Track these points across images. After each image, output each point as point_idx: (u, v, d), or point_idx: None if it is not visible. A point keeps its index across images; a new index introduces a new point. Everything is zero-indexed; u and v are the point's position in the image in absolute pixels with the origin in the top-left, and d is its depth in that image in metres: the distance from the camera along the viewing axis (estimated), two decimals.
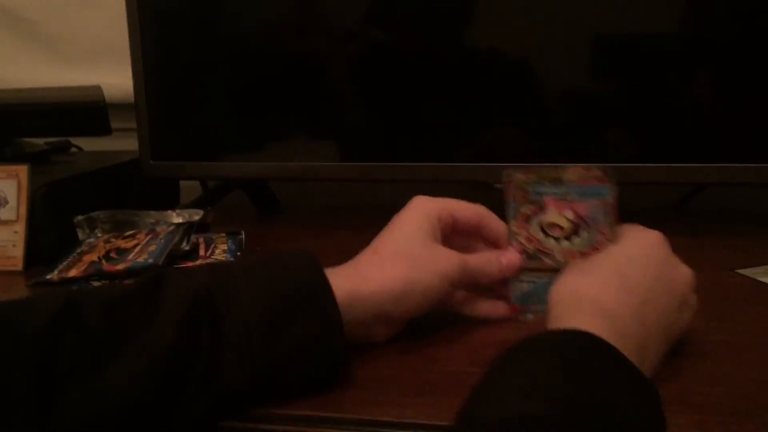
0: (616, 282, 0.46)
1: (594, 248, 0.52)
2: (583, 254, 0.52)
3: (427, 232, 0.52)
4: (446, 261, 0.51)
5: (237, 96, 0.88)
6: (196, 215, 0.81)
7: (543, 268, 0.54)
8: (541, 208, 0.53)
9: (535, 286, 0.55)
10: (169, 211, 0.82)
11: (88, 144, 1.06)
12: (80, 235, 0.79)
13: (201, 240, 0.76)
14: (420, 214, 0.53)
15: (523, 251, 0.55)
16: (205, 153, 0.90)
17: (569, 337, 0.41)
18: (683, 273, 0.49)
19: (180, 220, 0.80)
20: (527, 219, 0.54)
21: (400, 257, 0.50)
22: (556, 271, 0.52)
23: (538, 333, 0.41)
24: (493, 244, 0.56)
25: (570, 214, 0.53)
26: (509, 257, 0.55)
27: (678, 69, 0.76)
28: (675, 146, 0.77)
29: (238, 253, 0.73)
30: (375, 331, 0.51)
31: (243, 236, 0.77)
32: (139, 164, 0.91)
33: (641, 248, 0.49)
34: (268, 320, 0.45)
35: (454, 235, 0.55)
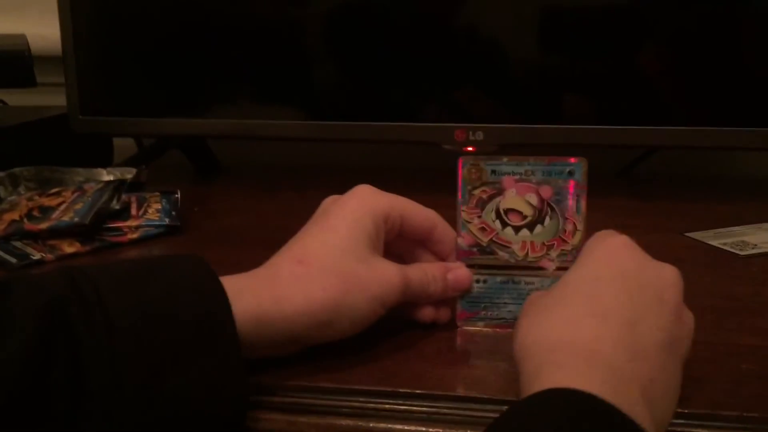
0: (589, 311, 0.36)
1: (559, 239, 0.45)
2: (546, 246, 0.46)
3: (367, 239, 0.43)
4: (385, 282, 0.43)
5: (175, 47, 0.83)
6: (129, 174, 0.76)
7: (497, 264, 0.46)
8: (498, 190, 0.46)
9: (488, 287, 0.47)
10: (100, 169, 0.77)
11: (13, 100, 1.00)
12: (1, 192, 0.74)
13: (133, 199, 0.71)
14: (363, 213, 0.44)
15: (475, 243, 0.46)
16: (140, 109, 0.85)
17: (549, 406, 0.31)
18: (669, 274, 0.39)
19: (111, 178, 0.76)
20: (481, 204, 0.46)
21: (330, 274, 0.41)
22: (512, 268, 0.46)
23: (513, 405, 0.33)
24: (440, 257, 0.48)
25: (533, 198, 0.46)
26: (457, 274, 0.46)
27: (630, 31, 0.75)
28: (626, 109, 0.75)
29: (173, 213, 0.69)
30: (284, 350, 0.42)
31: (178, 195, 0.72)
32: (68, 119, 0.85)
33: (607, 261, 0.40)
34: (148, 365, 0.35)
35: (395, 239, 0.47)
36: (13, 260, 0.60)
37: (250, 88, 0.83)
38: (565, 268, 0.44)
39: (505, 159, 0.46)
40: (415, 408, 0.40)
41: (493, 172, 0.46)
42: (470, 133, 0.76)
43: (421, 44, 0.78)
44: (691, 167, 0.91)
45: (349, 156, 0.95)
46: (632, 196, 0.82)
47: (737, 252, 0.60)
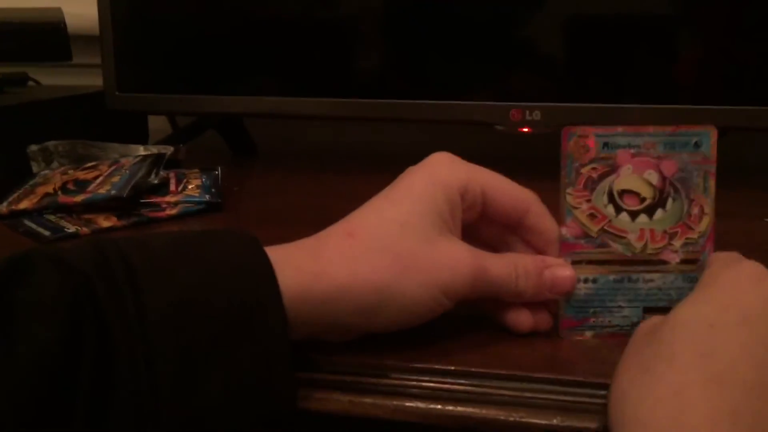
0: (701, 376, 0.29)
1: (684, 225, 0.38)
2: (668, 235, 0.38)
3: (436, 216, 0.37)
4: (450, 267, 0.36)
5: (211, 24, 0.80)
6: (167, 151, 0.72)
7: (610, 258, 0.39)
8: (611, 167, 0.39)
9: (598, 288, 0.39)
10: (137, 145, 0.74)
11: (47, 79, 0.97)
12: (34, 168, 0.71)
13: (172, 175, 0.68)
14: (434, 184, 0.37)
15: (582, 234, 0.39)
16: (175, 86, 0.82)
17: None
18: None
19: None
20: (591, 184, 0.39)
21: (382, 252, 0.35)
22: (628, 263, 0.39)
23: None
24: (536, 249, 0.40)
25: (654, 176, 0.38)
26: (556, 273, 0.38)
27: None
28: (694, 87, 0.70)
29: (213, 190, 0.65)
30: (334, 336, 0.37)
31: (219, 172, 0.69)
32: (104, 96, 0.82)
33: (727, 300, 0.33)
34: (183, 359, 0.31)
35: (480, 223, 0.40)
36: (47, 233, 0.57)
37: (289, 65, 0.79)
38: (692, 261, 0.39)
39: (620, 129, 0.38)
40: (492, 391, 0.35)
41: (606, 145, 0.38)
42: (527, 112, 0.72)
43: (472, 14, 0.74)
44: (748, 156, 0.86)
45: (391, 139, 0.91)
46: None
47: None
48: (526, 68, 0.74)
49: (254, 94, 0.79)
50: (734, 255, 0.36)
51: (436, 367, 0.36)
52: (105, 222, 0.59)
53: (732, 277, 0.34)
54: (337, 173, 0.79)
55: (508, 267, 0.38)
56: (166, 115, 0.92)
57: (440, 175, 0.38)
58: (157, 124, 0.97)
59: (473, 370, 0.36)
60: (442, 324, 0.39)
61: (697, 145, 0.38)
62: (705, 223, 0.39)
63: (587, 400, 0.35)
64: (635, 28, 0.71)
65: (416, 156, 0.40)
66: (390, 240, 0.36)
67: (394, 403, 0.36)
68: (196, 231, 0.38)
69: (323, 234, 0.37)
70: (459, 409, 0.35)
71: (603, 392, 0.34)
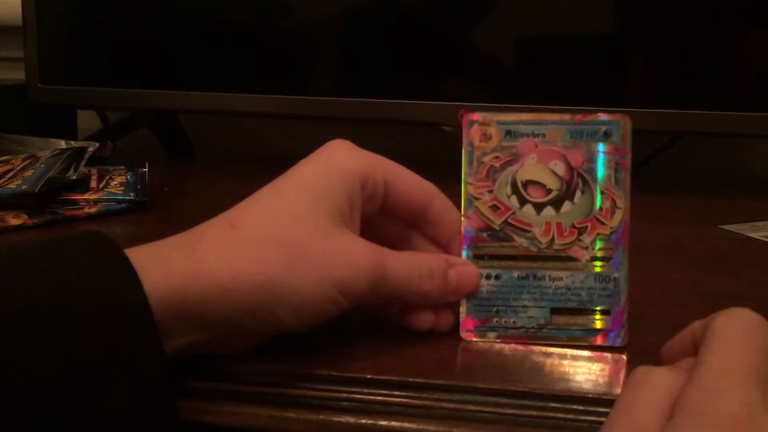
0: None
1: (594, 220, 0.35)
2: (576, 229, 0.35)
3: (332, 207, 0.33)
4: (347, 263, 0.32)
5: (146, 13, 0.75)
6: (91, 146, 0.67)
7: (514, 254, 0.36)
8: (514, 156, 0.36)
9: (501, 285, 0.36)
10: (58, 140, 0.69)
11: None
12: None
13: (93, 171, 0.62)
14: (331, 173, 0.34)
15: (485, 226, 0.36)
16: (105, 79, 0.76)
17: None
18: None
19: None
20: (493, 174, 0.36)
21: (268, 244, 0.31)
22: (534, 259, 0.36)
23: None
24: (438, 244, 0.37)
25: (560, 167, 0.36)
26: (461, 272, 0.35)
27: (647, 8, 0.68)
28: (650, 92, 0.69)
29: (139, 188, 0.60)
30: (224, 346, 0.32)
31: (146, 169, 0.64)
32: (26, 89, 0.77)
33: (732, 364, 0.25)
34: (40, 398, 0.26)
35: (379, 217, 0.36)
36: None
37: (228, 60, 0.74)
38: (605, 258, 0.35)
39: (523, 116, 0.36)
40: (432, 403, 0.32)
41: (508, 133, 0.36)
42: (474, 113, 0.69)
43: (421, 13, 0.71)
44: (698, 164, 0.85)
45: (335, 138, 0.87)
46: (649, 189, 0.75)
47: None
48: (475, 68, 0.71)
49: (189, 90, 0.74)
50: (734, 311, 0.27)
51: (369, 377, 0.32)
52: (14, 220, 0.54)
53: (729, 334, 0.26)
54: (274, 174, 0.75)
55: (411, 265, 0.34)
56: (94, 109, 0.87)
57: (337, 163, 0.34)
58: (90, 122, 0.91)
59: (410, 380, 0.32)
60: (378, 327, 0.35)
61: (606, 134, 0.36)
62: (618, 218, 0.36)
63: (536, 413, 0.31)
64: (585, 30, 0.69)
65: None
66: (277, 231, 0.32)
67: (321, 417, 0.31)
68: (45, 239, 0.32)
69: (201, 227, 0.33)
70: (393, 424, 0.31)
71: (553, 404, 0.31)
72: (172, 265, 0.30)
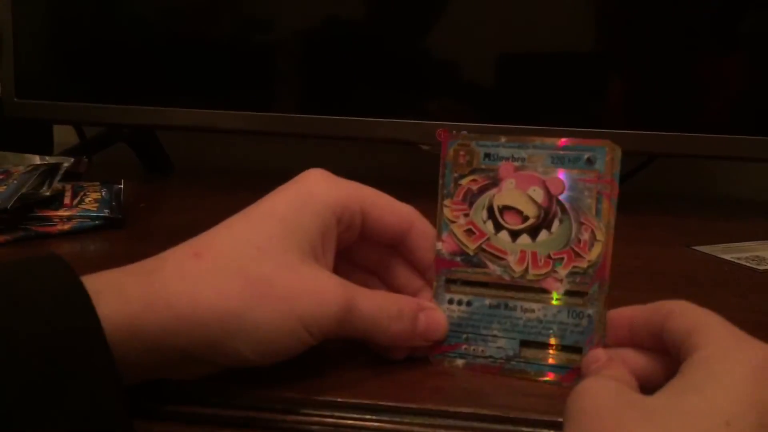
0: None
1: (571, 252, 0.34)
2: (552, 260, 0.34)
3: (302, 240, 0.32)
4: (315, 299, 0.31)
5: (124, 27, 0.75)
6: (66, 162, 0.67)
7: (487, 280, 0.35)
8: (492, 180, 0.35)
9: (472, 312, 0.35)
10: (32, 155, 0.68)
11: None
12: None
13: (68, 187, 0.62)
14: (304, 205, 0.33)
15: (459, 250, 0.35)
16: (81, 94, 0.76)
17: None
18: None
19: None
20: (470, 198, 0.35)
21: (232, 275, 0.30)
22: (506, 288, 0.35)
23: None
24: (418, 269, 0.37)
25: (538, 193, 0.35)
26: (430, 316, 0.35)
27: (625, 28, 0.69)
28: (624, 113, 0.69)
29: (114, 204, 0.60)
30: (185, 372, 0.32)
31: (122, 186, 0.63)
32: (1, 103, 0.76)
33: (749, 397, 0.26)
34: None
35: (358, 244, 0.36)
36: None
37: (206, 76, 0.74)
38: (579, 293, 0.34)
39: (503, 139, 0.35)
40: (404, 427, 0.31)
41: (487, 156, 0.35)
42: (453, 132, 0.69)
43: (399, 33, 0.71)
44: (673, 185, 0.86)
45: (313, 158, 0.87)
46: (623, 209, 0.75)
47: (755, 267, 0.54)
48: (453, 87, 0.72)
49: (166, 105, 0.74)
50: (738, 333, 0.29)
51: (340, 400, 0.32)
52: None
53: (745, 364, 0.27)
54: (255, 192, 0.74)
55: (381, 305, 0.33)
56: (70, 124, 0.86)
57: (312, 195, 0.33)
58: (67, 136, 0.90)
59: (382, 403, 0.32)
60: (349, 350, 0.35)
61: (590, 161, 0.34)
62: (596, 252, 0.34)
63: None
64: (561, 50, 0.70)
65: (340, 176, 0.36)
66: (243, 263, 0.31)
67: None
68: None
69: (163, 255, 0.32)
70: None
71: (525, 429, 0.31)
72: (130, 293, 0.29)
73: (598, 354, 0.33)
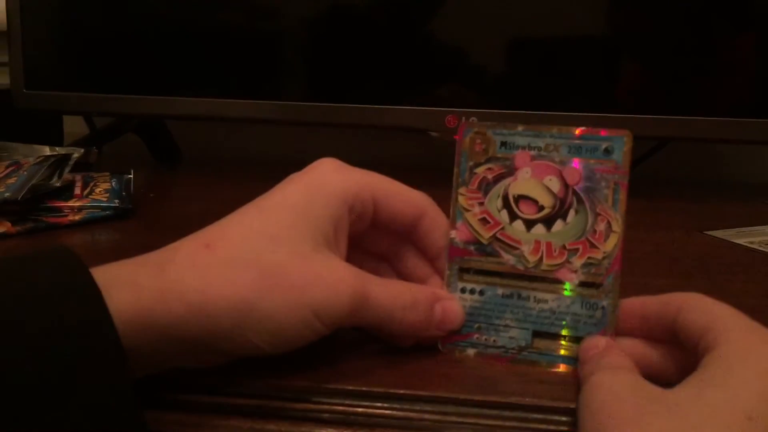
0: None
1: (586, 243, 0.34)
2: (567, 251, 0.34)
3: (315, 229, 0.32)
4: (327, 287, 0.31)
5: (132, 17, 0.75)
6: (76, 152, 0.67)
7: (500, 270, 0.35)
8: (508, 169, 0.35)
9: (485, 301, 0.35)
10: (42, 146, 0.68)
11: None
12: None
13: (78, 178, 0.62)
14: (316, 193, 0.33)
15: (473, 239, 0.35)
16: (90, 84, 0.76)
17: None
18: None
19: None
20: (485, 186, 0.35)
21: (244, 266, 0.30)
22: (520, 278, 0.34)
23: None
24: (431, 256, 0.36)
25: (555, 183, 0.34)
26: (446, 307, 0.34)
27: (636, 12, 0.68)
28: (636, 97, 0.69)
29: (124, 194, 0.60)
30: (198, 361, 0.31)
31: (132, 176, 0.63)
32: (10, 94, 0.76)
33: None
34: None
35: (370, 232, 0.36)
36: None
37: (215, 65, 0.74)
38: (594, 284, 0.34)
39: (520, 127, 0.35)
40: (414, 415, 0.31)
41: (503, 144, 0.35)
42: (463, 119, 0.69)
43: (408, 19, 0.71)
44: (685, 169, 0.85)
45: (323, 147, 0.87)
46: (635, 194, 0.75)
47: None
48: (462, 74, 0.71)
49: (175, 95, 0.74)
50: (753, 325, 0.29)
51: (350, 388, 0.32)
52: None
53: (765, 359, 0.27)
54: (265, 181, 0.74)
55: (396, 294, 0.33)
56: (80, 115, 0.86)
57: (323, 183, 0.33)
58: (77, 126, 0.91)
59: (392, 391, 0.32)
60: (358, 339, 0.34)
61: (607, 151, 0.34)
62: (612, 243, 0.34)
63: (518, 424, 0.31)
64: (572, 35, 0.69)
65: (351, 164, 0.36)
66: (253, 253, 0.30)
67: (302, 429, 0.31)
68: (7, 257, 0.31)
69: (174, 245, 0.31)
70: None
71: (535, 416, 0.31)
72: (141, 285, 0.29)
73: (597, 341, 0.33)
